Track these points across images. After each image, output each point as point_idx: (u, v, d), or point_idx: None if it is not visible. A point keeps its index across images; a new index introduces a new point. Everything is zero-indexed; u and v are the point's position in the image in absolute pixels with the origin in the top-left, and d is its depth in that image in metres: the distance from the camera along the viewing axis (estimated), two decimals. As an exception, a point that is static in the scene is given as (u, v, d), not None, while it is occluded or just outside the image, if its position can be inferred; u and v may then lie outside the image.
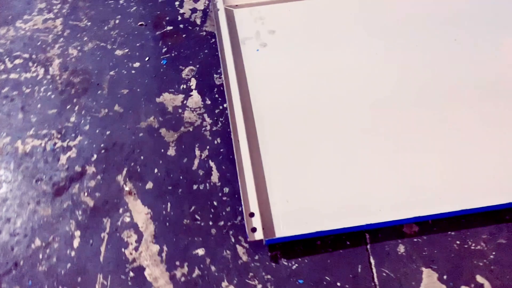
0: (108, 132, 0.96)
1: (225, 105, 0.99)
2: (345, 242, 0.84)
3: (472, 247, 0.83)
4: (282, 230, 0.82)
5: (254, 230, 0.81)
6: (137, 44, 1.09)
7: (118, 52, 1.08)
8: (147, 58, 1.07)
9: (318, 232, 0.80)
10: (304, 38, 1.08)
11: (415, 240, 0.84)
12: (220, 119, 0.98)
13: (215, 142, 0.95)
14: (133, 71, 1.04)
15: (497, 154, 0.90)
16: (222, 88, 1.02)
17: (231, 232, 0.85)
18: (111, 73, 1.04)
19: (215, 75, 1.04)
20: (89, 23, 1.13)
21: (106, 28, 1.12)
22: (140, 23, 1.12)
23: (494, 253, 0.83)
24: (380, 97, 0.98)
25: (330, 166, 0.89)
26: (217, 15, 1.09)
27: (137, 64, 1.05)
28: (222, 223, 0.86)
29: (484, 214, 0.87)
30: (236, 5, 1.15)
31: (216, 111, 0.99)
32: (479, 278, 0.80)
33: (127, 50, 1.08)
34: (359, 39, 1.07)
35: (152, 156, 0.93)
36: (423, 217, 0.83)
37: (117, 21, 1.13)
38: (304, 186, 0.87)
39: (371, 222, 0.82)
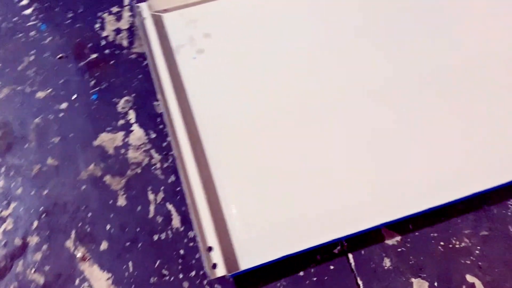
0: (45, 192, 0.85)
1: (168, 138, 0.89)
2: (328, 267, 0.78)
3: (457, 246, 0.80)
4: (247, 260, 0.74)
5: (214, 266, 0.73)
6: (60, 81, 0.96)
7: (40, 95, 0.94)
8: (74, 96, 0.94)
9: (288, 254, 0.73)
10: (243, 38, 0.99)
11: (399, 250, 0.80)
12: (170, 152, 0.88)
13: (169, 180, 0.86)
14: (61, 114, 0.92)
15: (459, 144, 0.86)
16: (164, 119, 0.91)
17: (205, 282, 0.77)
18: (36, 120, 0.91)
19: (155, 103, 0.94)
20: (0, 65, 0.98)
21: (20, 68, 0.98)
22: (59, 55, 0.99)
23: (479, 247, 0.80)
24: (333, 97, 0.91)
25: (292, 179, 0.82)
26: (143, 25, 0.98)
27: (64, 105, 0.93)
28: (193, 273, 0.78)
29: (461, 208, 0.83)
30: (165, 10, 1.03)
31: (164, 144, 0.89)
32: (469, 278, 0.77)
33: (50, 91, 0.95)
34: (300, 33, 0.99)
35: (101, 210, 0.83)
36: (402, 218, 0.78)
37: (32, 58, 0.99)
38: (266, 205, 0.80)
39: (345, 234, 0.76)
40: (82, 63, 0.98)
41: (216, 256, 0.73)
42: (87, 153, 0.88)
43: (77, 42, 1.01)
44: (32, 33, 1.02)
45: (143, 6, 1.01)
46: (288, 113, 0.89)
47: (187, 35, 1.00)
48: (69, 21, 1.03)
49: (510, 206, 0.84)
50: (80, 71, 0.97)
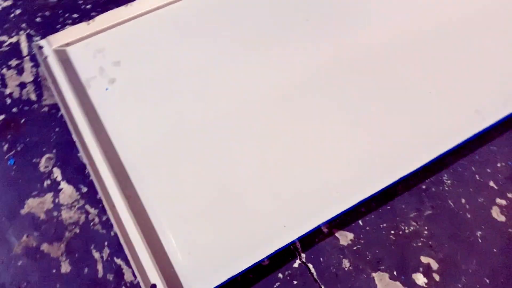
0: (-23, 278, 0.77)
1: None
2: (292, 283, 0.78)
3: (407, 231, 0.83)
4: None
5: None
6: (-32, 154, 0.88)
7: None
8: (-12, 166, 0.86)
9: (240, 272, 0.72)
10: (154, 61, 0.97)
11: (355, 248, 0.81)
12: (107, 203, 0.84)
13: (112, 233, 0.81)
14: (-23, 189, 0.84)
15: (384, 129, 0.89)
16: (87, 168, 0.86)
17: (171, 331, 0.74)
18: (-50, 202, 0.83)
19: (78, 153, 0.88)
20: None
21: None
22: (-39, 124, 0.90)
23: (426, 227, 0.83)
24: (252, 102, 0.90)
25: (222, 199, 0.81)
26: (47, 64, 0.92)
27: (-22, 179, 0.85)
28: (157, 325, 0.74)
29: (402, 193, 0.86)
30: (67, 43, 0.97)
31: (98, 196, 0.85)
32: (423, 259, 0.80)
33: (-42, 166, 0.86)
34: (206, 48, 0.98)
35: (45, 283, 0.77)
36: (342, 213, 0.78)
37: None
38: (203, 229, 0.78)
39: (290, 240, 0.76)
40: (-11, 128, 0.90)
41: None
42: (16, 225, 0.82)
43: (-21, 106, 0.92)
44: None
45: (43, 43, 0.95)
46: (211, 129, 0.87)
47: (96, 66, 0.95)
48: (-36, 84, 0.95)
49: (445, 181, 0.88)
50: (-11, 137, 0.89)
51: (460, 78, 0.94)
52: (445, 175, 0.88)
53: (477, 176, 0.88)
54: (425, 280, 0.78)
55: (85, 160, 0.82)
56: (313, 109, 0.90)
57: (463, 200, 0.86)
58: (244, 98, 0.91)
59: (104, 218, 0.82)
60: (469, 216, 0.84)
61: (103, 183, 0.80)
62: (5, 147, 0.88)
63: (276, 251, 0.75)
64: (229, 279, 0.73)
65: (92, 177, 0.80)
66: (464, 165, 0.89)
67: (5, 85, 0.95)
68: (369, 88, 0.92)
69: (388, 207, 0.85)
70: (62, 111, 0.87)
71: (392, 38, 0.99)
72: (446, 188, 0.87)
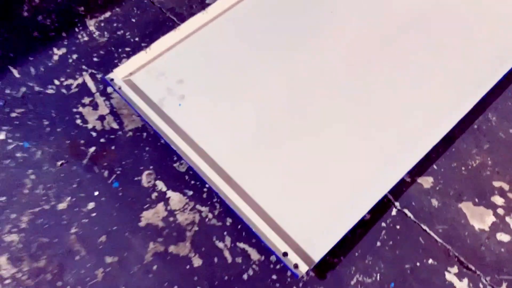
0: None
1: (207, 185, 0.94)
2: (395, 228, 0.89)
3: (474, 164, 0.96)
4: (317, 248, 0.84)
5: (296, 266, 0.81)
6: (74, 186, 0.95)
7: (62, 206, 0.93)
8: (96, 193, 0.94)
9: (348, 230, 0.84)
10: (211, 73, 1.08)
11: (438, 188, 0.94)
12: (214, 200, 0.93)
13: (227, 223, 0.91)
14: (93, 214, 0.92)
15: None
16: (190, 172, 0.96)
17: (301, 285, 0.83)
18: (73, 230, 0.90)
19: (174, 164, 0.98)
20: (4, 198, 0.94)
21: (26, 191, 0.95)
22: (60, 162, 0.98)
23: (489, 158, 0.97)
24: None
25: (315, 171, 0.93)
26: (124, 94, 1.01)
27: (91, 205, 0.93)
28: (295, 289, 0.84)
29: (460, 135, 1.00)
30: (130, 73, 1.07)
31: (204, 195, 0.94)
32: (496, 183, 0.94)
33: (69, 199, 0.94)
34: (264, 55, 1.10)
35: (184, 280, 0.85)
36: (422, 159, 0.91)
37: (32, 177, 0.96)
38: (307, 200, 0.90)
39: (383, 192, 0.88)
40: (85, 161, 0.98)
41: (293, 257, 0.82)
42: (139, 237, 0.90)
43: (69, 144, 1.00)
44: (18, 154, 0.99)
45: (112, 76, 1.04)
46: (289, 130, 0.99)
47: (163, 88, 1.05)
48: (48, 128, 1.02)
49: (490, 118, 1.02)
50: (87, 169, 0.97)
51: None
52: (489, 113, 1.03)
53: (515, 108, 1.03)
54: (503, 200, 0.91)
55: (190, 163, 0.91)
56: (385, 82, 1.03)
57: (510, 130, 1.00)
58: (307, 86, 1.03)
59: (216, 213, 0.92)
60: (520, 141, 0.98)
61: (211, 180, 0.90)
62: (105, 173, 0.96)
63: (374, 205, 0.86)
64: (342, 237, 0.83)
65: (204, 176, 0.90)
66: (502, 101, 1.04)
67: (86, 121, 1.03)
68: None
69: (453, 149, 0.98)
70: (155, 127, 0.96)
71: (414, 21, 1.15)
72: (494, 124, 1.01)
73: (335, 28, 1.14)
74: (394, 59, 1.07)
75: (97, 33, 1.17)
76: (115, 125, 1.03)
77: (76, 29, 1.18)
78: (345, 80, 1.04)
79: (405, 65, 1.06)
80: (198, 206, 0.93)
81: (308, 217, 0.88)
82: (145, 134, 1.02)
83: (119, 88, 1.02)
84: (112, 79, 1.04)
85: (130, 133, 1.02)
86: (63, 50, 1.14)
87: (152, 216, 0.92)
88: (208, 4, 1.20)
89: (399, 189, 0.93)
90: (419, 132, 0.96)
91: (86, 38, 1.16)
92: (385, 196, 0.92)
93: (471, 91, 1.00)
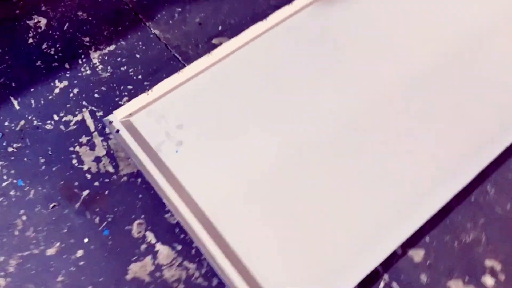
0: None
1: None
2: (382, 302, 0.89)
3: (468, 240, 0.95)
4: None
5: None
6: (64, 231, 0.95)
7: (51, 252, 0.93)
8: (86, 240, 0.94)
9: None
10: (212, 119, 1.07)
11: (428, 262, 0.93)
12: (202, 257, 0.93)
13: (213, 284, 0.90)
14: (81, 263, 0.92)
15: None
16: (181, 224, 0.95)
17: None
18: (59, 279, 0.90)
19: (166, 215, 0.97)
20: (-7, 238, 0.95)
21: (17, 232, 0.95)
22: (52, 204, 0.98)
23: (483, 234, 0.95)
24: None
25: (303, 229, 0.93)
26: (120, 136, 1.01)
27: (80, 253, 0.93)
28: None
29: (456, 206, 0.99)
30: (130, 114, 1.07)
31: (192, 251, 0.94)
32: (488, 262, 0.92)
33: (58, 244, 0.94)
34: (271, 95, 1.09)
35: None
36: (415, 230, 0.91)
37: (24, 218, 0.97)
38: (287, 260, 0.89)
39: (374, 265, 0.87)
40: (77, 205, 0.98)
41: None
42: (125, 290, 0.90)
43: (62, 185, 1.00)
44: (12, 192, 0.99)
45: (111, 118, 1.04)
46: (294, 181, 0.98)
47: (161, 131, 1.05)
48: (43, 167, 1.02)
49: (488, 190, 1.01)
50: (79, 213, 0.97)
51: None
52: (488, 185, 1.01)
53: (515, 182, 1.01)
54: (494, 280, 0.90)
55: (179, 218, 0.91)
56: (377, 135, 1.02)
57: (508, 206, 0.98)
58: (308, 140, 1.02)
59: (203, 271, 0.92)
60: (516, 218, 0.97)
61: (198, 237, 0.90)
62: (97, 219, 0.96)
63: (363, 278, 0.86)
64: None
65: (189, 232, 0.89)
66: (503, 173, 1.02)
67: (82, 162, 1.03)
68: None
69: (448, 221, 0.97)
70: (146, 176, 0.96)
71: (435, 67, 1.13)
72: (492, 197, 1.00)
73: (341, 79, 1.12)
74: (390, 125, 1.05)
75: (100, 67, 1.16)
76: (110, 168, 1.03)
77: (80, 61, 1.17)
78: (346, 140, 1.03)
79: (405, 129, 1.04)
80: (185, 263, 0.93)
81: (290, 281, 0.88)
82: (139, 180, 1.01)
83: (117, 132, 1.02)
84: (111, 122, 1.03)
85: (125, 178, 1.02)
86: (65, 83, 1.14)
87: (139, 269, 0.92)
88: (214, 45, 1.19)
89: (389, 260, 0.92)
90: (416, 200, 0.95)
91: (88, 72, 1.15)
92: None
93: (473, 161, 0.99)
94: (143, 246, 0.94)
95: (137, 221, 0.97)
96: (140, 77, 1.15)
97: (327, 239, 0.91)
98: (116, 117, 1.04)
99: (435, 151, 1.01)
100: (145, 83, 1.14)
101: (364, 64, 1.14)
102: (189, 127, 1.05)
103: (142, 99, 1.07)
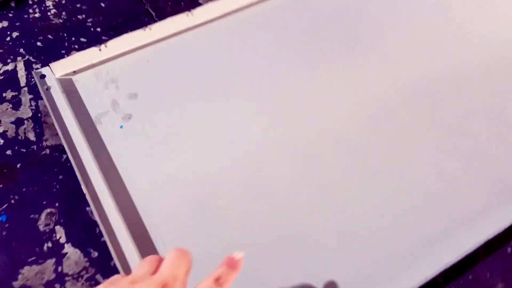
0: None
1: (120, 247, 0.67)
2: None
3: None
4: None
5: None
6: (-50, 206, 0.70)
7: None
8: (-27, 225, 0.69)
9: None
10: (176, 93, 0.81)
11: (435, 331, 0.65)
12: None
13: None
14: (-41, 255, 0.67)
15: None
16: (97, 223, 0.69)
17: None
18: None
19: (87, 207, 0.72)
20: None
21: None
22: None
23: (518, 302, 0.67)
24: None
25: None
26: (50, 96, 0.76)
27: (-39, 241, 0.68)
28: None
29: (486, 257, 0.71)
30: (74, 71, 0.82)
31: (112, 262, 0.68)
32: None
33: None
34: (235, 67, 0.84)
35: None
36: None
37: None
38: None
39: None
40: (-24, 179, 0.73)
41: None
42: (7, 302, 0.64)
43: (-35, 148, 0.76)
44: None
45: (45, 71, 0.79)
46: (250, 175, 0.71)
47: (108, 99, 0.80)
48: None
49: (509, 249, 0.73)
50: (-24, 187, 0.72)
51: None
52: (530, 233, 0.73)
53: None
54: None
55: (96, 217, 0.66)
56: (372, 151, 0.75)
57: (555, 265, 0.70)
58: (280, 136, 0.76)
59: (120, 293, 0.65)
60: None
61: (120, 246, 0.64)
62: (-4, 199, 0.71)
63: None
64: None
65: (106, 238, 0.64)
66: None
67: (-3, 122, 0.78)
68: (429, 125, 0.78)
69: (470, 277, 0.69)
70: (68, 154, 0.71)
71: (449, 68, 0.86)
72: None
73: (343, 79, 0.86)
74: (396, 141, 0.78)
75: (53, 11, 0.92)
76: (32, 136, 0.78)
77: (30, 1, 0.93)
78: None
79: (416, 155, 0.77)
80: (98, 277, 0.67)
81: None
82: (64, 156, 0.76)
83: (47, 90, 0.77)
84: (43, 76, 0.79)
85: (47, 151, 0.77)
86: (5, 23, 0.90)
87: (34, 276, 0.66)
88: (200, 5, 0.94)
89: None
90: (431, 245, 0.67)
91: (37, 15, 0.91)
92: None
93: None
94: (48, 245, 0.69)
95: (48, 210, 0.71)
96: (99, 29, 0.90)
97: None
98: (54, 71, 0.80)
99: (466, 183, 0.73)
100: (104, 37, 0.89)
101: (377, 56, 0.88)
102: (144, 98, 0.80)
103: (92, 54, 0.83)
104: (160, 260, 0.41)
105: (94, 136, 0.75)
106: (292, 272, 0.64)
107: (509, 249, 0.72)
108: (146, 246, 0.65)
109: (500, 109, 0.81)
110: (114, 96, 0.80)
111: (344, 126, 0.77)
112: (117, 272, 0.65)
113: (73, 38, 0.89)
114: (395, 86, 0.83)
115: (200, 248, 0.63)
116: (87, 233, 0.70)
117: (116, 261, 0.62)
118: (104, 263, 0.68)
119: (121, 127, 0.77)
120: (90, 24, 0.91)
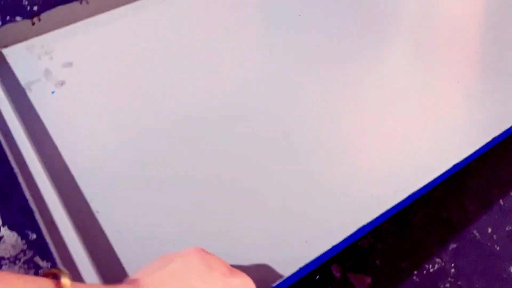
0: None
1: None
2: None
3: (431, 270, 0.70)
4: None
5: None
6: None
7: None
8: None
9: None
10: (113, 62, 0.80)
11: None
12: (63, 253, 0.65)
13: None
14: None
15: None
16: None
17: None
18: None
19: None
20: None
21: None
22: None
23: (453, 264, 0.71)
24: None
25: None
26: None
27: None
28: None
29: (422, 224, 0.74)
30: (5, 45, 0.80)
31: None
32: None
33: None
34: (176, 42, 0.83)
35: None
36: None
37: None
38: None
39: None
40: None
41: None
42: None
43: None
44: None
45: None
46: (182, 141, 0.70)
47: (41, 69, 0.78)
48: None
49: (467, 206, 0.76)
50: None
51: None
52: (467, 200, 0.77)
53: (501, 201, 0.77)
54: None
55: (27, 194, 0.63)
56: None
57: (489, 230, 0.74)
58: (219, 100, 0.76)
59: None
60: (497, 248, 0.73)
61: (56, 225, 0.62)
62: None
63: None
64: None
65: (38, 218, 0.62)
66: (488, 188, 0.78)
67: None
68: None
69: (407, 242, 0.72)
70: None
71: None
72: (469, 217, 0.76)
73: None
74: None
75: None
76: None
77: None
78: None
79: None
80: (37, 259, 0.65)
81: None
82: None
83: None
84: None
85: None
86: None
87: (-34, 261, 0.64)
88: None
89: (321, 286, 0.67)
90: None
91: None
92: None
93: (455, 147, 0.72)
94: (-19, 229, 0.66)
95: (-21, 191, 0.69)
96: (35, 8, 0.87)
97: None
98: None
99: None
100: (35, 7, 0.85)
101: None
102: (79, 66, 0.78)
103: (23, 27, 0.79)
104: None
105: (23, 103, 0.73)
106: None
107: (444, 215, 0.75)
108: (83, 215, 0.63)
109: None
110: (47, 66, 0.79)
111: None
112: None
113: (8, 17, 0.85)
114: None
115: (142, 212, 0.62)
116: (25, 214, 0.68)
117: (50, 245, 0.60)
118: (43, 245, 0.66)
119: (53, 92, 0.75)
120: (26, 3, 0.87)
